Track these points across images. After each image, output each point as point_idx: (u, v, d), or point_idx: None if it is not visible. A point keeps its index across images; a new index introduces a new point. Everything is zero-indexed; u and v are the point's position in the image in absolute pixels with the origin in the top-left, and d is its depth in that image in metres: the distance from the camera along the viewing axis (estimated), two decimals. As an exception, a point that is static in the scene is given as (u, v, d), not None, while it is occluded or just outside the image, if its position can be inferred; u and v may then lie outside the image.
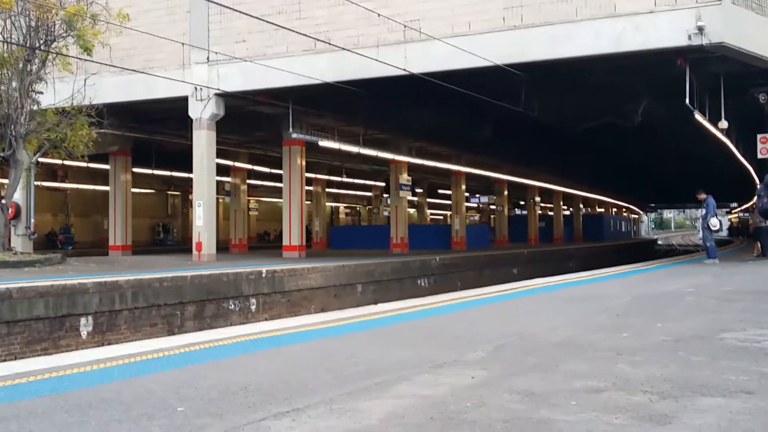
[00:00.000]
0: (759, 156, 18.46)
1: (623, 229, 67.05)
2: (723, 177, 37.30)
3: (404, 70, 16.51)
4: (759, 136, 18.06)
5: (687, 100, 15.93)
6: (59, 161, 23.66)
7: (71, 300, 11.35)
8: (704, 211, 16.95)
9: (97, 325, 11.77)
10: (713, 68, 16.54)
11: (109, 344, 11.15)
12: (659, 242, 76.18)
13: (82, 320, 11.57)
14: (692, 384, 4.21)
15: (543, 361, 5.03)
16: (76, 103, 16.93)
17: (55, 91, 17.12)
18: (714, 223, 16.27)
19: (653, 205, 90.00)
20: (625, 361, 4.96)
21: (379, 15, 16.53)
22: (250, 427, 3.47)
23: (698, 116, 17.21)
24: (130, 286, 12.38)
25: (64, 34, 16.75)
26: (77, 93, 16.96)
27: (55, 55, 16.84)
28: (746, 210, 20.84)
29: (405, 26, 16.57)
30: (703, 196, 16.72)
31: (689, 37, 14.58)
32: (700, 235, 18.19)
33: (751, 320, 6.75)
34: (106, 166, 26.17)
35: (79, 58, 16.74)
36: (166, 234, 40.12)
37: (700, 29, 14.42)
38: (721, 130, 18.80)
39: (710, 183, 29.61)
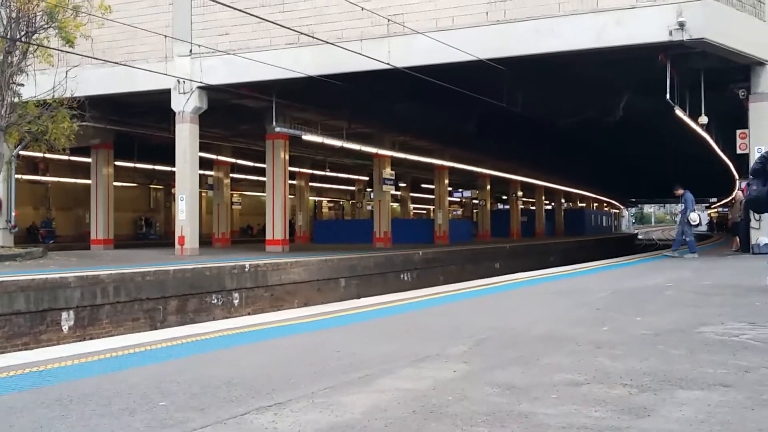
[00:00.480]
0: (738, 151, 18.63)
1: (604, 224, 67.56)
2: (703, 172, 37.63)
3: (388, 64, 16.52)
4: (738, 132, 18.21)
5: (668, 96, 16.06)
6: (40, 154, 23.46)
7: (52, 294, 11.28)
8: (683, 206, 17.09)
9: (78, 320, 11.70)
10: (694, 64, 16.68)
11: (91, 339, 11.10)
12: (640, 237, 76.72)
13: (64, 315, 11.50)
14: (671, 377, 4.26)
15: (524, 354, 5.06)
16: (58, 96, 16.79)
17: (36, 83, 16.97)
18: (694, 218, 16.41)
19: (634, 200, 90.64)
20: (605, 354, 5.01)
21: (362, 9, 16.51)
22: (233, 422, 3.48)
23: (678, 111, 17.35)
24: (111, 280, 12.32)
25: (46, 26, 16.59)
26: (59, 85, 16.82)
27: (36, 47, 16.68)
28: (725, 205, 21.09)
29: (389, 20, 16.57)
30: (680, 191, 16.84)
31: (670, 33, 14.71)
32: (677, 230, 18.08)
33: (729, 314, 6.83)
34: (88, 159, 25.98)
35: (61, 50, 16.60)
36: (148, 228, 39.89)
37: (681, 25, 14.55)
38: (701, 126, 18.96)
39: (690, 178, 29.91)
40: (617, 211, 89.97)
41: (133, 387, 4.23)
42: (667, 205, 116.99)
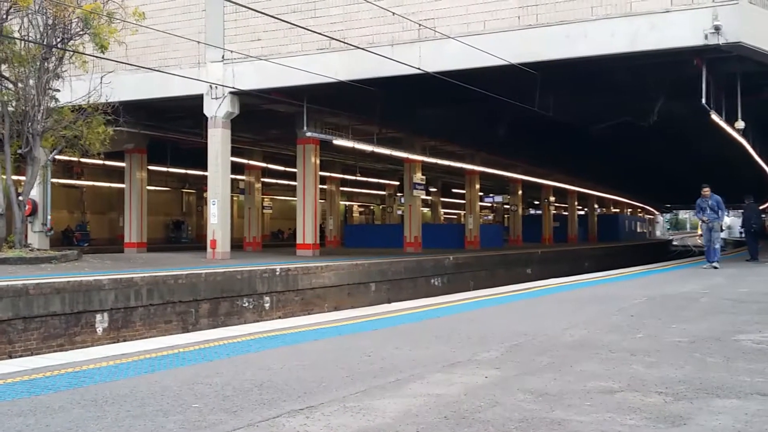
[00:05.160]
0: (775, 156, 18.29)
1: (638, 230, 66.69)
2: (739, 177, 37.02)
3: (418, 68, 16.50)
4: (775, 137, 17.89)
5: (703, 100, 15.83)
6: (75, 158, 23.83)
7: (87, 296, 11.44)
8: (708, 210, 15.92)
9: (112, 322, 11.85)
10: (730, 68, 16.42)
11: (124, 341, 11.24)
12: (674, 243, 75.72)
13: (98, 317, 11.66)
14: (707, 385, 4.19)
15: (557, 361, 5.02)
16: (93, 101, 17.03)
17: (72, 89, 17.24)
18: (728, 221, 15.85)
19: (669, 205, 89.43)
20: (639, 362, 4.94)
21: (393, 13, 16.53)
22: (264, 424, 3.49)
23: (714, 116, 17.08)
24: (145, 283, 12.46)
25: (81, 32, 16.86)
26: (93, 91, 17.06)
27: (72, 53, 16.95)
28: (765, 211, 20.52)
29: (419, 25, 16.56)
30: (707, 191, 16.01)
31: (706, 37, 14.49)
32: (707, 236, 16.21)
33: (766, 322, 6.70)
34: (122, 164, 26.31)
35: (96, 56, 16.84)
36: (180, 232, 40.29)
37: (717, 29, 14.33)
38: (738, 131, 18.64)
39: (726, 183, 29.43)
40: (652, 216, 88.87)
41: (166, 389, 4.27)
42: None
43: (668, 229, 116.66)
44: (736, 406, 3.74)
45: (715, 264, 15.87)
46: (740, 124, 17.98)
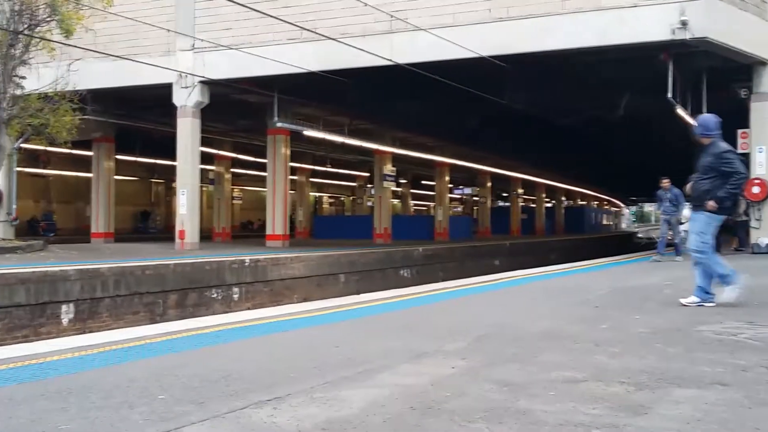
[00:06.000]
0: (739, 151, 18.56)
1: (604, 222, 67.50)
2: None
3: (390, 60, 16.50)
4: (739, 132, 18.19)
5: (669, 94, 16.03)
6: (42, 147, 23.48)
7: (52, 287, 11.31)
8: (666, 203, 16.03)
9: (78, 313, 11.73)
10: (696, 63, 16.65)
11: (91, 332, 11.14)
12: (639, 235, 76.70)
13: (64, 307, 11.53)
14: (668, 375, 4.27)
15: (522, 351, 5.08)
16: (60, 89, 16.78)
17: (39, 76, 16.98)
18: (687, 215, 15.94)
19: (634, 198, 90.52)
20: (603, 352, 5.02)
21: (365, 4, 16.50)
22: (231, 416, 3.49)
23: (680, 110, 17.31)
24: (112, 273, 12.35)
25: (48, 19, 16.58)
26: (61, 78, 16.82)
27: (39, 40, 16.67)
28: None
29: (391, 16, 16.55)
30: (666, 183, 16.03)
31: (673, 32, 14.69)
32: (664, 230, 16.51)
33: (727, 313, 6.84)
34: (90, 153, 25.97)
35: (64, 44, 16.60)
36: (148, 222, 39.88)
37: (684, 24, 14.53)
38: (703, 125, 18.87)
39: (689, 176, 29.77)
40: (617, 209, 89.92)
41: (132, 380, 4.25)
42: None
43: (633, 221, 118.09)
44: (696, 395, 3.82)
45: (656, 257, 16.24)
46: (705, 118, 18.19)
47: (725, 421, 3.35)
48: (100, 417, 3.48)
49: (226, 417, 3.47)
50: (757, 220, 17.01)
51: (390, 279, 19.85)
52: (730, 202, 7.62)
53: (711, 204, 7.22)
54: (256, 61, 17.69)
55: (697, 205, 7.42)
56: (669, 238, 16.56)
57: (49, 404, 3.72)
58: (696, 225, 7.44)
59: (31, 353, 5.12)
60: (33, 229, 30.87)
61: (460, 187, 49.11)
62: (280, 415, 3.50)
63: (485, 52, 15.99)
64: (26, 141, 18.52)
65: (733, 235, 19.20)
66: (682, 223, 15.70)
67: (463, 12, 16.38)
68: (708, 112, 18.16)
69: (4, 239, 17.55)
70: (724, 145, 7.49)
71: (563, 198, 55.61)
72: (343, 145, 27.30)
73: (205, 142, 22.49)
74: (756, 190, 16.83)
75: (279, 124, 21.26)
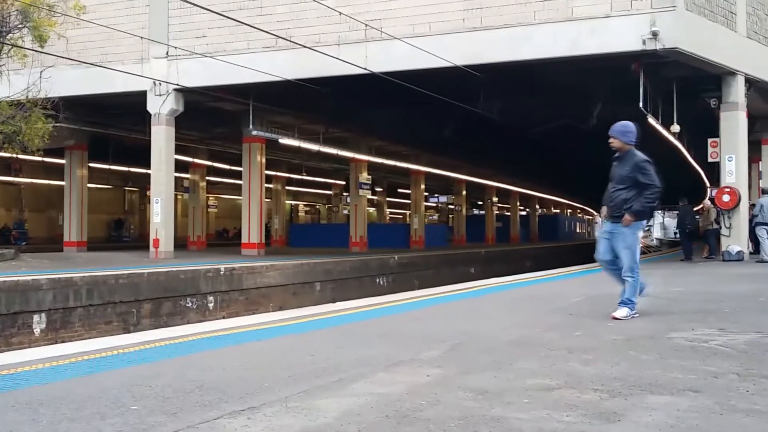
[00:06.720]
0: (709, 159, 18.91)
1: (578, 230, 68.02)
2: (675, 180, 37.98)
3: (365, 69, 16.54)
4: (710, 141, 18.48)
5: (641, 104, 16.24)
6: (13, 155, 23.19)
7: (24, 297, 11.15)
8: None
9: (50, 323, 11.58)
10: (667, 73, 16.89)
11: (63, 342, 10.99)
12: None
13: (35, 317, 11.37)
14: (641, 382, 4.31)
15: (497, 359, 5.10)
16: (32, 96, 16.60)
17: (10, 83, 16.78)
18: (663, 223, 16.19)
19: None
20: (576, 359, 5.06)
21: (340, 13, 16.55)
22: (205, 426, 3.47)
23: (651, 120, 17.54)
24: (84, 282, 12.21)
25: (20, 26, 16.41)
26: (33, 85, 16.63)
27: (10, 46, 16.49)
28: (697, 212, 21.32)
29: (366, 25, 16.61)
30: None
31: (644, 42, 14.89)
32: None
33: (699, 320, 6.93)
34: (62, 161, 25.70)
35: (36, 51, 16.43)
36: (122, 230, 39.52)
37: (655, 34, 14.74)
38: (674, 134, 19.17)
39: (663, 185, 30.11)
40: (591, 217, 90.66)
41: (104, 391, 4.20)
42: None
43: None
44: (668, 402, 3.86)
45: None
46: (675, 127, 18.52)
47: (697, 427, 3.39)
48: (71, 428, 3.44)
49: (199, 428, 3.45)
50: (728, 228, 17.26)
51: (366, 287, 19.83)
52: (647, 216, 7.76)
53: (627, 219, 7.27)
54: (231, 69, 17.64)
55: (617, 216, 7.46)
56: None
57: (19, 416, 3.67)
58: (623, 241, 7.36)
59: (2, 364, 5.04)
60: (4, 238, 30.48)
61: (436, 195, 49.27)
62: (255, 425, 3.48)
63: (459, 61, 16.10)
64: (-3, 149, 18.27)
65: (704, 242, 19.48)
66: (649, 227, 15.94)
67: (437, 21, 16.48)
68: (679, 121, 18.57)
69: (-27, 248, 17.30)
70: (642, 155, 7.56)
71: (537, 206, 55.99)
72: (318, 153, 27.30)
73: (180, 150, 22.36)
74: (726, 198, 17.09)
75: (254, 132, 21.21)
